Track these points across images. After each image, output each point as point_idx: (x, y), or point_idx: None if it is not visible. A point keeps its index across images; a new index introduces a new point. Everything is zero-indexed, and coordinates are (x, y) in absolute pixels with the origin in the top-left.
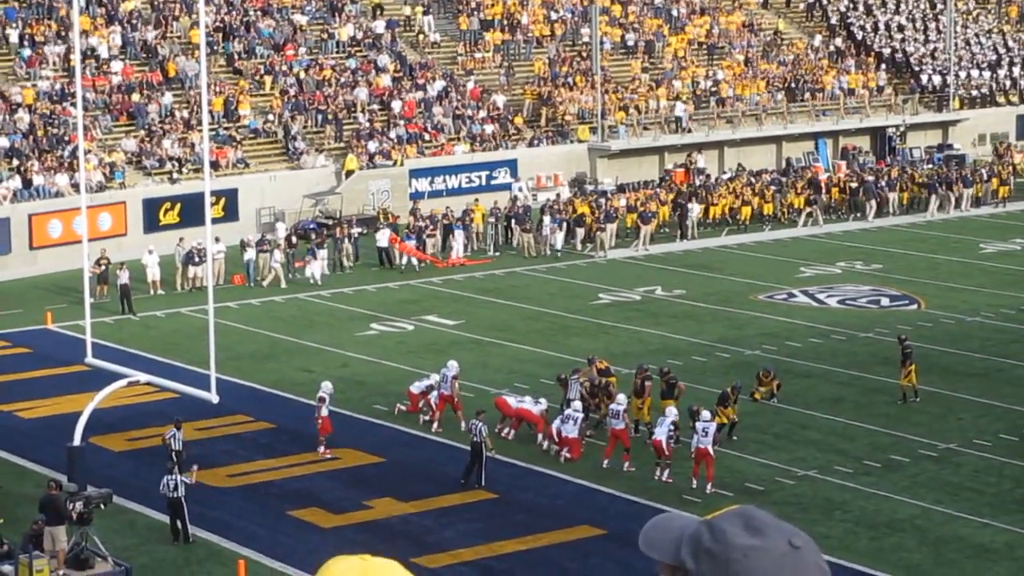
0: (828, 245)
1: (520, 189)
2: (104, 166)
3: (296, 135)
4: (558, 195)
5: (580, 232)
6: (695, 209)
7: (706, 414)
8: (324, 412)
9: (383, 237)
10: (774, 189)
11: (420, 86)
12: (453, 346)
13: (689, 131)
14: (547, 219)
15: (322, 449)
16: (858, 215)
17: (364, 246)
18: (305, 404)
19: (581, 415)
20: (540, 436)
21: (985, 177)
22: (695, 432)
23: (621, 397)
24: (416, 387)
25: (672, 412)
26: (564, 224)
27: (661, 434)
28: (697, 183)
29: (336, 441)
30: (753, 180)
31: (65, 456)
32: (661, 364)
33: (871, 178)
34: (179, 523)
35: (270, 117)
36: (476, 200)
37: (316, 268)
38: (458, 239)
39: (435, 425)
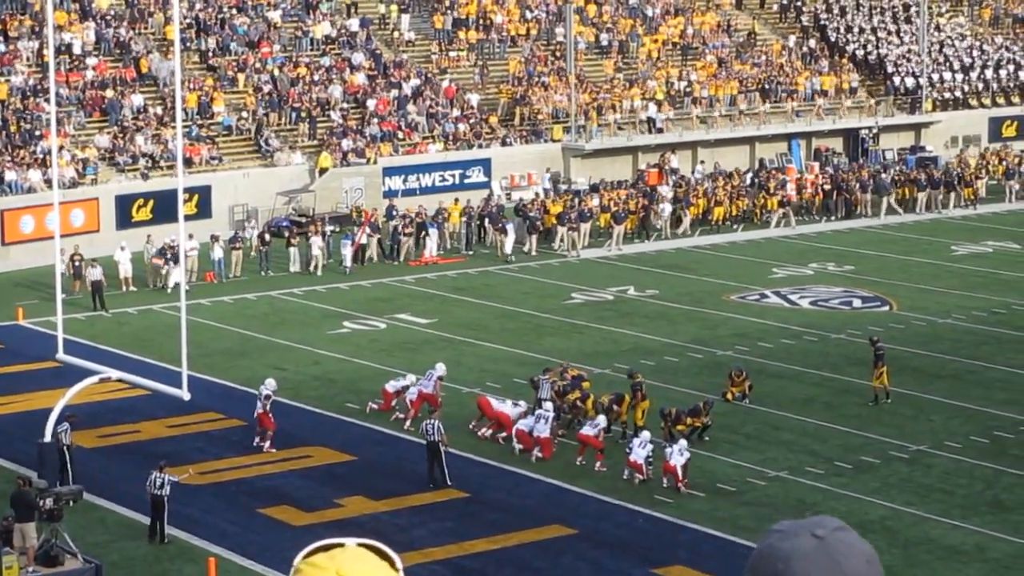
0: (800, 246)
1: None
2: (77, 162)
3: (268, 135)
4: (536, 194)
5: (561, 231)
6: (667, 209)
7: (684, 442)
8: (260, 408)
9: (364, 237)
10: (748, 187)
11: (394, 84)
12: (426, 345)
13: (662, 131)
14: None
15: (256, 440)
16: (831, 217)
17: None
18: (276, 401)
19: (552, 415)
20: (514, 439)
21: (956, 180)
22: (668, 445)
23: (601, 419)
24: (391, 386)
25: (647, 436)
26: (521, 225)
27: (640, 457)
28: (672, 185)
29: (307, 439)
30: (740, 181)
31: (35, 452)
32: (632, 365)
33: (885, 175)
34: (158, 522)
35: (244, 114)
36: (456, 200)
37: (177, 274)
38: (432, 238)
39: (407, 423)
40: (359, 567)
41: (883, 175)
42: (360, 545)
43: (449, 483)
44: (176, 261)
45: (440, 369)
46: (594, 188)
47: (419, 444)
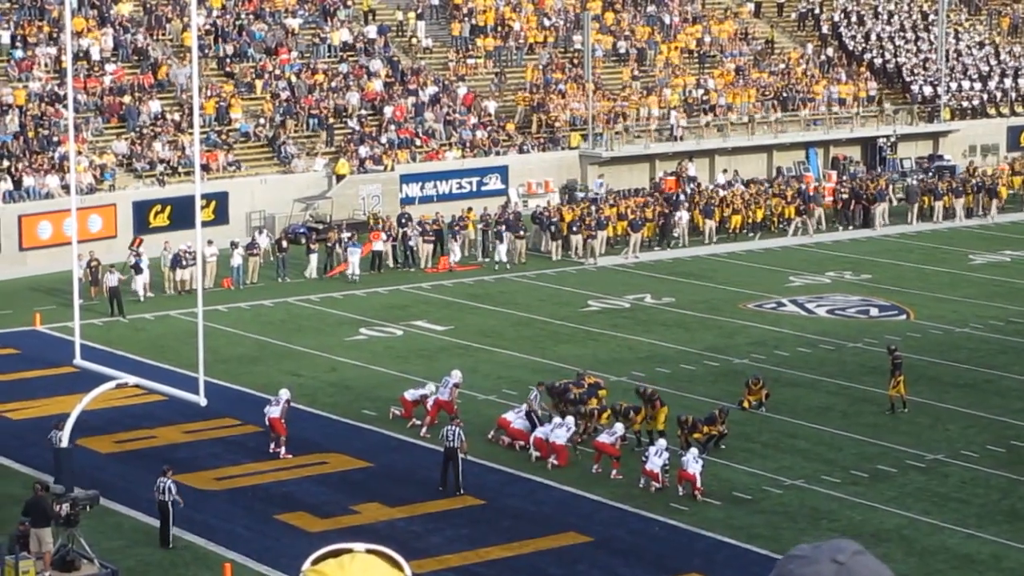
0: (817, 255)
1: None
2: (95, 168)
3: (284, 141)
4: (548, 200)
5: (575, 240)
6: (684, 217)
7: (694, 451)
8: (277, 413)
9: (377, 242)
10: (767, 195)
11: (412, 91)
12: (442, 352)
13: (679, 139)
14: (502, 230)
15: (272, 447)
16: (849, 226)
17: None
18: (292, 407)
19: (572, 427)
20: (531, 446)
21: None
22: (687, 446)
23: (618, 427)
24: (410, 394)
25: (663, 444)
26: (539, 232)
27: (656, 465)
28: (688, 193)
29: (323, 445)
30: (769, 187)
31: (52, 458)
32: (646, 373)
33: (914, 182)
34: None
35: (261, 121)
36: (470, 208)
37: (140, 282)
38: (455, 245)
39: (423, 430)
40: None
41: (913, 182)
42: (369, 551)
43: (461, 491)
44: (140, 271)
45: (456, 376)
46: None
47: (436, 451)
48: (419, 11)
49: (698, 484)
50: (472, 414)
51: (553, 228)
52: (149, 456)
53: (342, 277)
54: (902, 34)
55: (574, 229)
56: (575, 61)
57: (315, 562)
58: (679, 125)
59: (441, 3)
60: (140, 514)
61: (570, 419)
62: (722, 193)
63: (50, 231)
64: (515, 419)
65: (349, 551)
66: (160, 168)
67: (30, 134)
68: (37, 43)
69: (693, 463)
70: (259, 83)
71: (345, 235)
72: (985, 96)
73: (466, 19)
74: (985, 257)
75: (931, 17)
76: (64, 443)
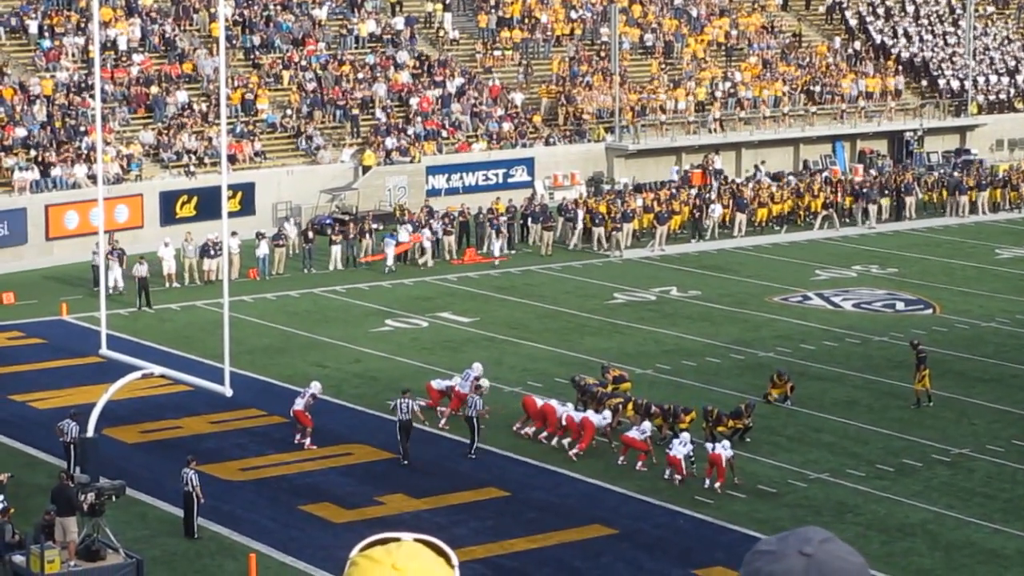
0: (844, 248)
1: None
2: (121, 158)
3: (311, 134)
4: (580, 194)
5: (597, 231)
6: (717, 210)
7: (727, 443)
8: (300, 406)
9: (403, 233)
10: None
11: (438, 83)
12: (468, 344)
13: (712, 131)
14: (489, 229)
15: (297, 438)
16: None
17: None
18: (318, 399)
19: (608, 419)
20: (555, 439)
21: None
22: (712, 439)
23: (646, 425)
24: (437, 383)
25: (687, 436)
26: (565, 224)
27: (680, 453)
28: (716, 186)
29: (348, 436)
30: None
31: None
32: (674, 370)
33: (957, 175)
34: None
35: (288, 112)
36: (497, 199)
37: (117, 274)
38: (495, 238)
39: (442, 421)
40: (415, 563)
41: (955, 175)
42: (417, 540)
43: (408, 462)
44: (121, 263)
45: (477, 369)
46: (637, 188)
47: (460, 442)
48: (446, 2)
49: (723, 469)
50: (498, 406)
51: (588, 217)
52: (174, 446)
53: (372, 267)
54: (929, 28)
55: (599, 221)
56: (602, 54)
57: (363, 549)
58: (715, 119)
59: None
60: (165, 504)
61: (607, 412)
62: (751, 185)
63: (77, 221)
64: (541, 400)
65: (396, 540)
66: (187, 158)
67: (57, 124)
68: (65, 33)
69: (721, 449)
70: (286, 74)
71: (374, 225)
72: (1012, 90)
73: (493, 11)
74: (1012, 251)
75: (958, 11)
76: (89, 432)
